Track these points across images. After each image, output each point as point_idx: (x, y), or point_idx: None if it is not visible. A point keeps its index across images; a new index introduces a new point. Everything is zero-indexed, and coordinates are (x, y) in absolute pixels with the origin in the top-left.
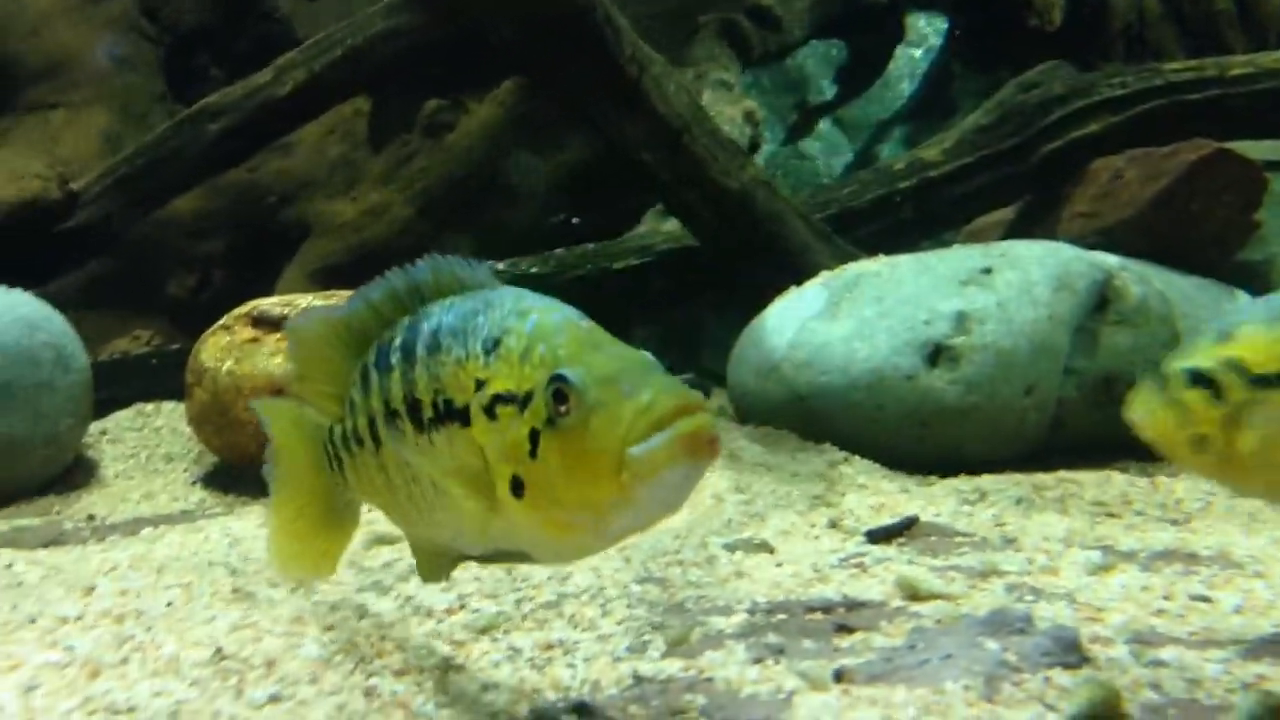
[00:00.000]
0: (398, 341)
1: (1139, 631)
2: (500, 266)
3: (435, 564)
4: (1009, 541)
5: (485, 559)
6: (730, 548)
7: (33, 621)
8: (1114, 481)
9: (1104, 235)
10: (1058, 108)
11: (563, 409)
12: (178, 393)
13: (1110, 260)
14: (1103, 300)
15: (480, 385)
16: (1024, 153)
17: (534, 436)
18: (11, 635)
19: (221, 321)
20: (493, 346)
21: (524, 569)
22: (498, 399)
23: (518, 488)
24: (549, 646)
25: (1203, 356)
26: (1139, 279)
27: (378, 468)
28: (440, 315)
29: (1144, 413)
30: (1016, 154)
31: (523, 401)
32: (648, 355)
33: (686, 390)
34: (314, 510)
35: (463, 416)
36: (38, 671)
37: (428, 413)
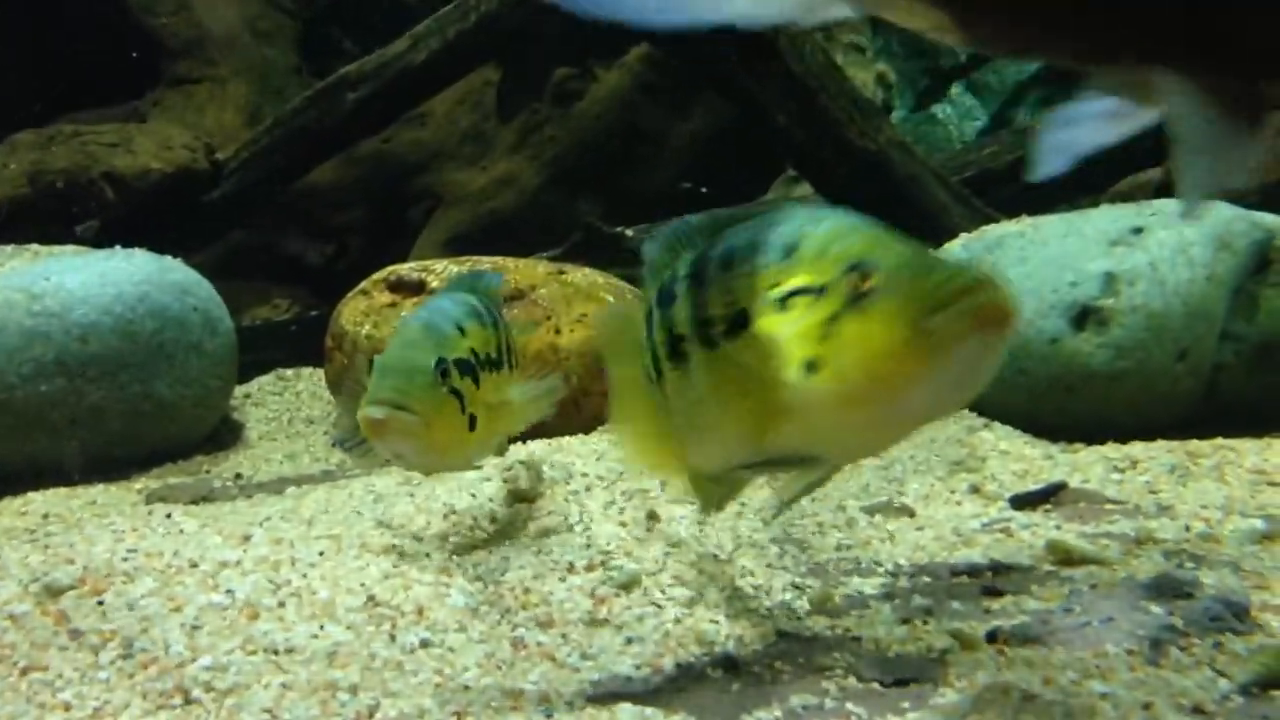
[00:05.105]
0: (683, 274)
1: None
2: (630, 232)
3: (712, 494)
4: (1164, 509)
5: (761, 468)
6: (869, 511)
7: (194, 566)
8: (1275, 449)
9: (1265, 194)
10: None
11: (864, 287)
12: (316, 358)
13: (1272, 220)
14: (1264, 261)
15: (774, 286)
16: None
17: (832, 319)
18: (175, 578)
19: (360, 287)
20: (789, 253)
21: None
22: (793, 293)
23: (811, 368)
24: (690, 603)
25: None
26: None
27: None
28: (729, 240)
29: None
30: None
31: (819, 291)
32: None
33: (980, 270)
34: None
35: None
36: (201, 612)
37: (720, 327)
